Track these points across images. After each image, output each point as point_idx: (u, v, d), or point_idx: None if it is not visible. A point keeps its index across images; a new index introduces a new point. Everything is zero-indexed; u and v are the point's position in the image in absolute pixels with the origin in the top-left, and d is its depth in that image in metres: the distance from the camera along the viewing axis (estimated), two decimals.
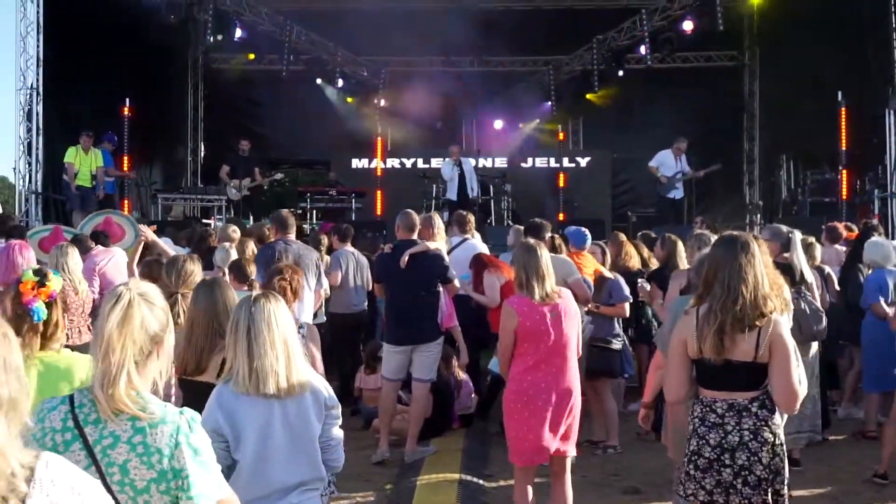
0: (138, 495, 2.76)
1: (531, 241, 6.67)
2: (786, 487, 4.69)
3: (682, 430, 5.76)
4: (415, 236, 8.96)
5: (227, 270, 8.22)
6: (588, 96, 23.53)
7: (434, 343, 8.74)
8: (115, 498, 2.70)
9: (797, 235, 7.59)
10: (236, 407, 3.95)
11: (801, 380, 4.58)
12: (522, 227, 11.16)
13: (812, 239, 9.72)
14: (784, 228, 7.75)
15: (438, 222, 9.34)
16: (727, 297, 4.52)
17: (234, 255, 9.22)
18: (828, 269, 9.96)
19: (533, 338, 6.06)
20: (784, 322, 4.67)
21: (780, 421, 4.67)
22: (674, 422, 5.92)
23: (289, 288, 5.86)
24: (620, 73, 22.58)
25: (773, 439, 4.59)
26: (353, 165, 23.73)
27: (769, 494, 4.59)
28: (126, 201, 18.36)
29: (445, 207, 17.64)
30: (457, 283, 9.09)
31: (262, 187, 19.21)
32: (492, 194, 19.61)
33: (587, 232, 10.12)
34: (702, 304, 4.67)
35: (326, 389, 4.26)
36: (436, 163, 21.20)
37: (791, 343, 4.61)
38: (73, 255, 7.89)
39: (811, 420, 7.98)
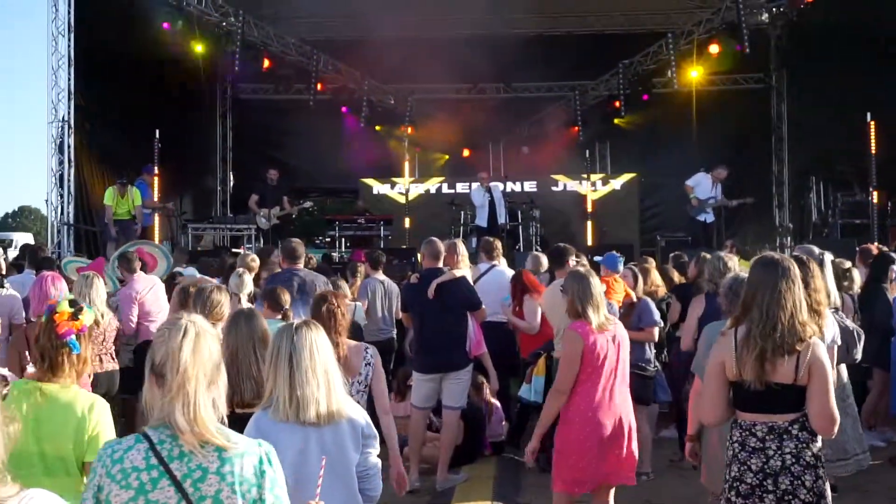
0: None
1: (581, 269, 6.66)
2: None
3: (716, 454, 5.72)
4: (440, 264, 8.98)
5: (261, 299, 8.25)
6: (615, 121, 23.55)
7: (464, 371, 8.73)
8: None
9: (828, 257, 7.53)
10: (275, 435, 3.95)
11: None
12: (541, 254, 11.17)
13: (849, 264, 9.66)
14: (816, 250, 7.69)
15: (462, 249, 9.36)
16: (766, 323, 4.50)
17: (248, 282, 9.31)
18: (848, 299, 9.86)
19: (598, 364, 6.02)
20: (822, 345, 4.64)
21: (820, 444, 4.63)
22: (708, 447, 5.88)
23: (338, 312, 5.86)
24: (646, 97, 22.58)
25: (815, 462, 4.55)
26: (381, 193, 23.83)
27: None
28: (156, 232, 18.50)
29: (474, 234, 17.67)
30: (485, 309, 9.09)
31: (291, 216, 19.31)
32: (520, 220, 19.62)
33: (620, 256, 10.08)
34: (739, 325, 4.64)
35: (364, 418, 4.27)
36: (462, 189, 21.26)
37: (829, 366, 4.60)
38: (98, 285, 8.02)
39: (858, 442, 7.82)
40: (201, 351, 2.86)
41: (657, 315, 9.29)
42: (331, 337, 5.72)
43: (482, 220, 18.29)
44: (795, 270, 4.68)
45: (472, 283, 9.08)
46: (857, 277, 9.65)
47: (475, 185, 18.95)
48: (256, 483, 2.83)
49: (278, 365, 3.98)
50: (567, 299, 6.22)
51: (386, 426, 5.81)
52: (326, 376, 4.01)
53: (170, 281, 10.72)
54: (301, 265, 9.25)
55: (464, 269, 9.07)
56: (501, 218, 18.23)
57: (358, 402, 5.75)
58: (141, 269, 10.58)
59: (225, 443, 2.81)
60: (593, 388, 6.04)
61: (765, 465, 4.52)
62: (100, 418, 4.13)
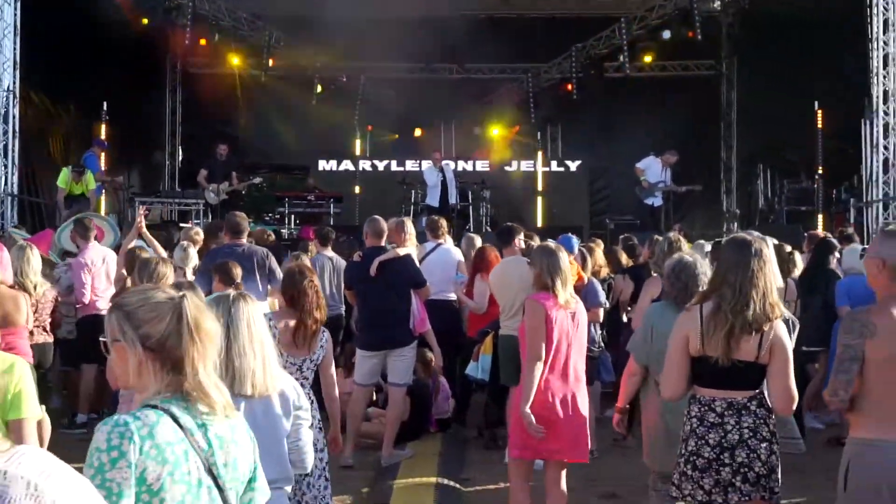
0: (238, 489, 2.82)
1: (551, 243, 6.64)
2: (778, 486, 4.75)
3: (654, 432, 5.79)
4: (384, 242, 8.97)
5: (206, 273, 8.18)
6: (566, 104, 23.63)
7: (407, 347, 8.74)
8: (226, 500, 2.74)
9: (770, 242, 7.61)
10: None
11: None
12: (475, 235, 11.23)
13: (789, 248, 9.77)
14: (756, 234, 7.77)
15: (410, 228, 9.35)
16: (737, 301, 4.57)
17: (193, 256, 9.27)
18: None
19: (555, 338, 5.98)
20: (783, 326, 4.75)
21: (774, 420, 4.74)
22: (647, 426, 5.94)
23: (317, 288, 5.88)
24: (598, 81, 22.69)
25: (770, 437, 4.67)
26: (332, 170, 23.70)
27: (767, 491, 4.66)
28: (102, 205, 18.26)
29: (425, 213, 17.64)
30: (429, 287, 9.10)
31: (241, 192, 19.15)
32: (470, 200, 19.61)
33: (575, 237, 10.15)
34: (705, 302, 4.70)
35: (295, 390, 4.27)
36: (412, 167, 21.23)
37: (790, 347, 4.71)
38: (31, 256, 7.96)
39: (787, 428, 7.96)
40: (205, 325, 2.83)
41: (602, 296, 9.37)
42: (308, 312, 5.72)
43: (433, 200, 18.24)
44: (767, 252, 4.76)
45: (416, 261, 9.07)
46: (800, 262, 9.77)
47: (427, 164, 18.90)
48: (253, 446, 2.88)
49: None
50: (534, 272, 6.17)
51: (331, 412, 5.89)
52: (262, 349, 3.96)
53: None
54: (244, 240, 9.18)
55: (409, 248, 9.05)
56: (453, 198, 18.22)
57: (310, 382, 5.77)
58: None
59: (233, 411, 2.84)
60: (550, 364, 6.01)
61: (722, 439, 4.60)
62: (21, 377, 4.17)
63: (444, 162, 18.59)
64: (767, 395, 4.70)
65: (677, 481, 4.77)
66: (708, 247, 7.96)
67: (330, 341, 5.95)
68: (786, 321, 7.26)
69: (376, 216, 9.31)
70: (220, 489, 2.72)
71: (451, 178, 18.37)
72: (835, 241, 10.80)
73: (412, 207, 19.60)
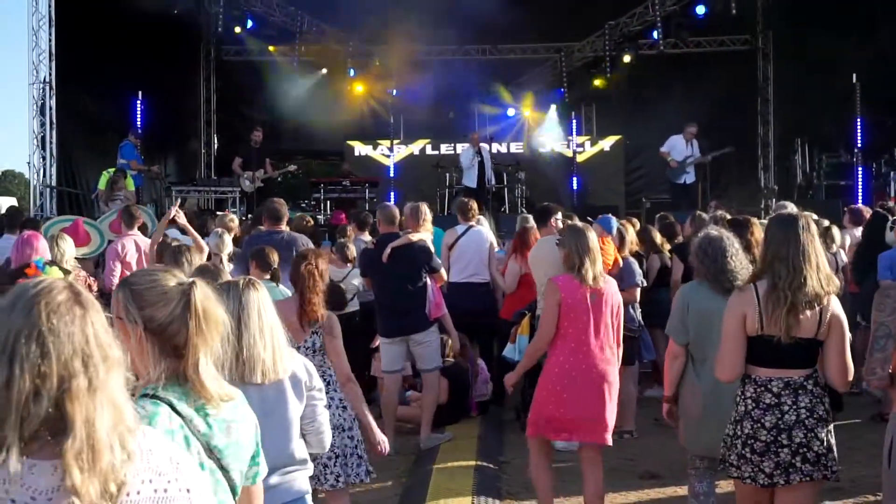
0: (242, 468, 2.84)
1: (579, 223, 6.66)
2: (836, 465, 4.71)
3: (691, 414, 5.74)
4: (396, 228, 8.99)
5: (244, 259, 8.22)
6: (600, 82, 23.49)
7: (426, 332, 8.74)
8: (231, 479, 2.77)
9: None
10: None
11: None
12: (529, 216, 11.17)
13: (826, 223, 9.67)
14: (791, 206, 7.69)
15: (426, 212, 9.31)
16: (794, 277, 4.49)
17: (227, 242, 9.33)
18: (844, 255, 9.87)
19: (573, 318, 6.01)
20: (837, 301, 4.67)
21: (828, 399, 4.68)
22: (684, 408, 5.89)
23: (316, 272, 5.81)
24: (632, 58, 22.52)
25: (826, 416, 4.61)
26: (366, 154, 23.74)
27: (827, 469, 4.62)
28: (141, 194, 18.39)
29: (461, 195, 17.65)
30: (443, 272, 9.10)
31: (276, 179, 19.22)
32: (505, 182, 19.59)
33: (613, 218, 10.11)
34: (757, 281, 4.64)
35: (307, 370, 4.27)
36: (447, 150, 21.18)
37: (846, 321, 4.64)
38: (63, 244, 7.98)
39: None
40: (212, 314, 2.78)
41: (639, 276, 9.31)
42: (306, 297, 5.73)
43: (470, 181, 18.28)
44: (814, 226, 4.71)
45: (428, 246, 9.03)
46: (838, 237, 9.66)
47: (463, 146, 18.89)
48: (254, 424, 2.89)
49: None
50: (563, 252, 6.20)
51: (351, 395, 5.74)
52: (272, 336, 3.93)
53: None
54: (283, 226, 9.21)
55: (422, 233, 9.02)
56: (491, 180, 18.25)
57: (317, 365, 5.73)
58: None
59: (233, 395, 2.83)
60: (571, 341, 6.04)
61: (779, 420, 4.54)
62: None
63: (481, 143, 18.60)
64: (823, 370, 4.64)
65: (736, 462, 4.69)
66: (791, 207, 7.79)
67: (331, 325, 5.77)
68: None
69: (387, 202, 9.41)
70: (224, 469, 2.73)
71: (488, 159, 18.40)
72: (886, 213, 10.66)
73: (447, 191, 19.59)
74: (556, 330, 6.09)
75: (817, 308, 4.52)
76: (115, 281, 9.82)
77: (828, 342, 4.57)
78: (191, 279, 2.84)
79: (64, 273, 6.94)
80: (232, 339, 3.78)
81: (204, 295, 2.77)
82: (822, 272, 4.54)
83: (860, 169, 17.38)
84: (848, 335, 4.64)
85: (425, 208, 9.38)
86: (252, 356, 3.85)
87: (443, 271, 9.10)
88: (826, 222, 9.52)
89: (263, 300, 3.94)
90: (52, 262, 6.06)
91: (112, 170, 16.42)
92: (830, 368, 4.58)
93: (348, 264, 10.16)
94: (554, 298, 6.06)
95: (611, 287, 6.24)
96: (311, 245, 9.24)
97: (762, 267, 4.68)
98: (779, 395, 4.57)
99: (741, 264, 5.60)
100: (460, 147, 19.24)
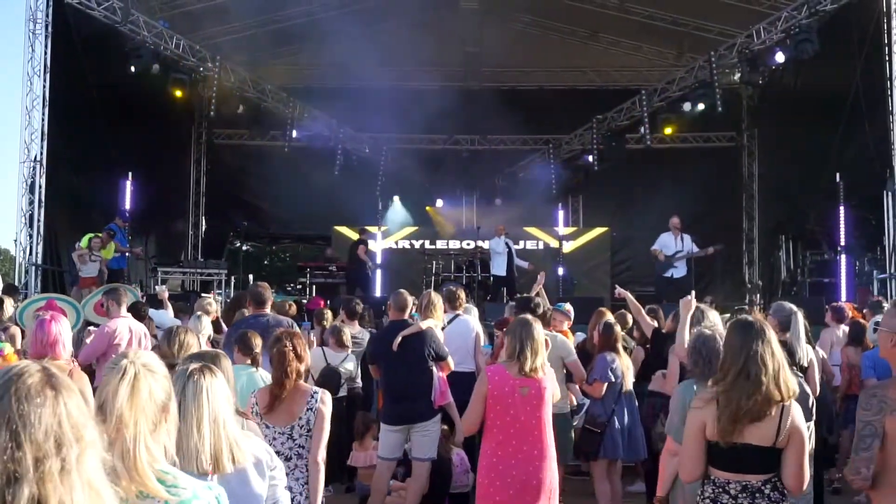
0: None
1: (528, 315, 6.68)
2: None
3: None
4: (406, 316, 8.97)
5: (234, 342, 8.17)
6: (587, 175, 23.75)
7: (430, 422, 8.67)
8: None
9: (800, 316, 7.52)
10: None
11: None
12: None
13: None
14: (787, 306, 7.69)
15: (437, 301, 9.31)
16: (750, 385, 4.51)
17: (206, 325, 9.29)
18: (821, 352, 9.86)
19: (499, 410, 6.05)
20: (799, 408, 4.67)
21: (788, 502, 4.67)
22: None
23: (291, 353, 5.79)
24: (619, 152, 22.80)
25: None
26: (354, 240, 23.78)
27: None
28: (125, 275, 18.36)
29: (447, 284, 17.75)
30: (450, 360, 9.05)
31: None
32: (491, 272, 19.66)
33: (567, 305, 10.28)
34: (718, 385, 4.65)
35: (267, 451, 4.25)
36: (434, 238, 21.35)
37: (805, 430, 4.64)
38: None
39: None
40: (140, 393, 2.72)
41: (609, 372, 9.15)
42: (280, 377, 5.71)
43: (500, 269, 18.82)
44: (770, 332, 4.71)
45: (437, 335, 9.03)
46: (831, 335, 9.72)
47: (495, 236, 19.39)
48: None
49: None
50: (507, 340, 6.31)
51: (313, 478, 5.66)
52: (215, 426, 3.65)
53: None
54: (268, 310, 9.17)
55: (430, 321, 9.01)
56: (514, 270, 18.68)
57: (307, 450, 5.67)
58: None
59: (165, 495, 2.65)
60: (500, 435, 6.08)
61: None
62: None
63: (506, 233, 19.12)
64: (781, 476, 4.61)
65: None
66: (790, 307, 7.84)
67: (325, 403, 5.73)
68: (807, 395, 7.21)
69: (401, 290, 9.35)
70: None
71: (513, 250, 18.93)
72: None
73: (432, 279, 19.65)
74: (485, 421, 6.14)
75: (775, 416, 4.52)
76: (90, 359, 9.71)
77: (787, 450, 4.56)
78: (135, 355, 2.81)
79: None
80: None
81: (136, 373, 2.73)
82: (780, 379, 4.55)
83: (844, 266, 17.48)
84: (808, 444, 4.66)
85: (435, 297, 9.37)
86: (189, 447, 3.58)
87: (450, 360, 9.05)
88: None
89: (212, 387, 3.71)
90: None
91: (95, 234, 16.48)
92: (787, 476, 4.57)
93: (343, 349, 10.18)
94: (482, 388, 6.15)
95: (548, 383, 6.24)
96: (296, 328, 9.18)
97: (721, 373, 4.68)
98: (736, 497, 4.57)
99: None
100: (493, 238, 19.55)
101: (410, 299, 9.15)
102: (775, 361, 4.58)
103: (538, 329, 6.27)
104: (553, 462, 6.25)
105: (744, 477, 4.57)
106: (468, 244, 21.62)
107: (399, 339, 8.63)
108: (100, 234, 16.63)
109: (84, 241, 16.50)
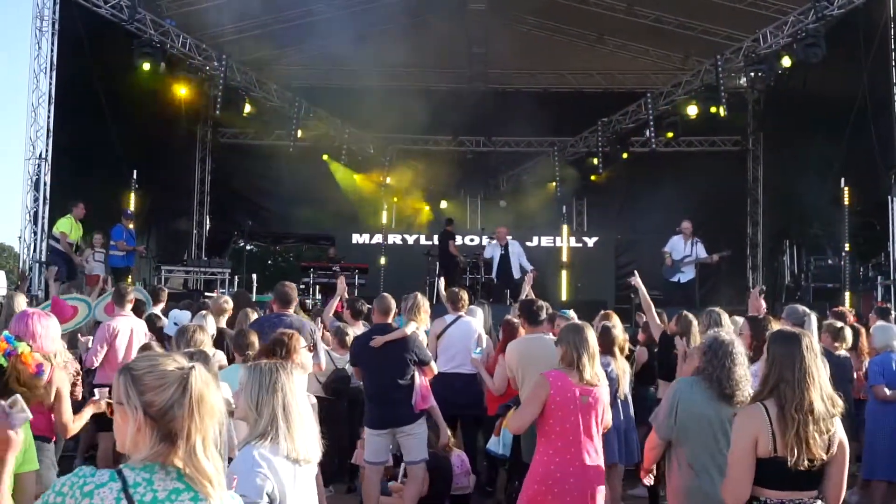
0: None
1: (577, 320, 6.62)
2: None
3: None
4: (391, 319, 8.94)
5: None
6: (593, 178, 23.73)
7: (413, 425, 8.62)
8: None
9: (813, 319, 7.51)
10: None
11: None
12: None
13: (841, 324, 9.72)
14: (800, 309, 7.68)
15: (422, 304, 9.21)
16: (800, 400, 4.43)
17: (210, 324, 9.26)
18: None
19: (561, 416, 5.95)
20: (840, 423, 4.61)
21: None
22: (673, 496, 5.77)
23: (282, 350, 5.80)
24: (625, 155, 22.79)
25: None
26: (358, 241, 23.81)
27: None
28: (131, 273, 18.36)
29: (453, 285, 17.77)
30: (433, 365, 9.01)
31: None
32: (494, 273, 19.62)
33: (572, 311, 10.21)
34: (761, 400, 4.55)
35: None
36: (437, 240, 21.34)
37: (847, 442, 4.58)
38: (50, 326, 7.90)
39: None
40: (208, 399, 2.80)
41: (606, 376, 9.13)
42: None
43: (493, 274, 18.56)
44: (816, 345, 4.66)
45: (420, 339, 8.98)
46: (849, 337, 9.69)
47: (490, 241, 19.18)
48: None
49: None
50: (561, 348, 6.19)
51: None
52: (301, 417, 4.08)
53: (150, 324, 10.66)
54: (291, 310, 9.16)
55: (413, 324, 8.92)
56: (517, 272, 18.29)
57: None
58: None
59: (215, 488, 2.75)
60: (558, 440, 5.95)
61: None
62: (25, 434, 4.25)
63: (509, 238, 18.82)
64: (824, 489, 4.55)
65: None
66: (803, 310, 7.79)
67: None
68: None
69: (385, 294, 9.29)
70: None
71: (516, 253, 18.59)
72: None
73: (436, 280, 19.63)
74: (541, 428, 6.02)
75: (825, 431, 4.45)
76: (97, 361, 9.75)
77: (832, 464, 4.49)
78: (191, 363, 2.83)
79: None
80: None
81: (202, 380, 2.77)
82: (825, 393, 4.49)
83: (848, 272, 17.44)
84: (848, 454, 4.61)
85: (421, 299, 9.31)
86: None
87: (433, 364, 8.99)
88: (839, 323, 9.57)
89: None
90: (20, 338, 6.05)
91: (70, 216, 16.46)
92: (830, 488, 4.51)
93: (346, 350, 10.03)
94: (542, 392, 5.99)
95: (602, 389, 6.19)
96: (309, 327, 9.16)
97: (768, 387, 4.56)
98: None
99: (745, 374, 5.55)
100: (489, 241, 19.42)
101: (394, 303, 9.10)
102: (820, 376, 4.51)
103: (591, 335, 6.20)
104: (602, 470, 6.18)
105: (797, 495, 4.49)
106: (471, 240, 21.47)
107: (380, 341, 8.60)
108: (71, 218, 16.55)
109: (65, 225, 16.36)
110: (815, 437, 4.41)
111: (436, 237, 21.39)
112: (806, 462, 4.39)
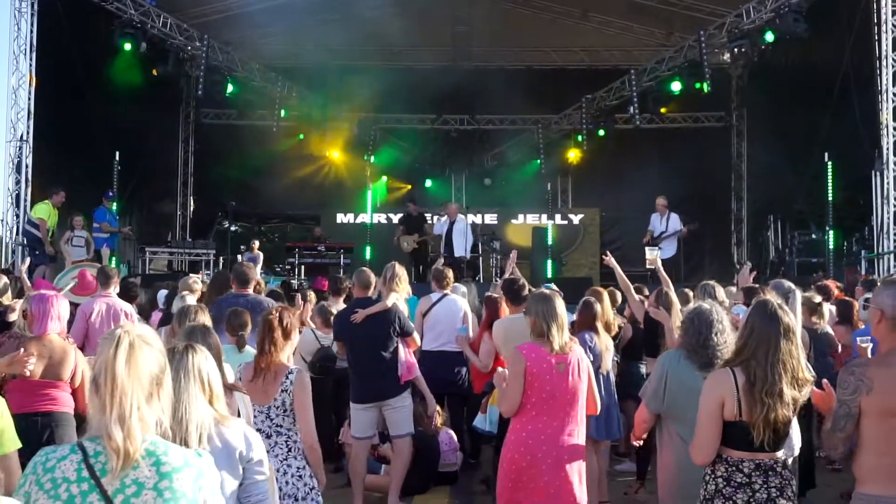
0: None
1: (545, 290, 6.60)
2: None
3: (671, 478, 5.64)
4: (370, 293, 8.93)
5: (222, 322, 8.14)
6: (576, 154, 23.73)
7: (398, 398, 8.63)
8: None
9: (798, 295, 7.53)
10: None
11: None
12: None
13: (820, 299, 9.76)
14: (786, 284, 7.70)
15: (400, 274, 9.17)
16: (770, 384, 4.52)
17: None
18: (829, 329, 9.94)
19: (537, 387, 5.90)
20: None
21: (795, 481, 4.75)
22: (663, 470, 5.78)
23: (277, 324, 5.73)
24: (601, 133, 22.80)
25: (793, 497, 4.66)
26: (343, 220, 23.78)
27: None
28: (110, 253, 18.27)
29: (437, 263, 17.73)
30: (416, 336, 9.03)
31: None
32: (480, 251, 19.61)
33: (554, 286, 10.17)
34: (731, 367, 4.64)
35: (246, 441, 4.06)
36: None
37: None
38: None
39: None
40: (137, 362, 2.77)
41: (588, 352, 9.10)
42: (262, 346, 5.68)
43: (444, 250, 18.43)
44: (794, 324, 4.72)
45: (402, 310, 8.97)
46: (827, 315, 9.74)
47: (439, 217, 19.08)
48: (193, 499, 2.74)
49: None
50: (530, 319, 6.16)
51: (313, 462, 5.63)
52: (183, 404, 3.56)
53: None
54: (250, 290, 9.13)
55: (394, 296, 8.89)
56: (460, 250, 18.22)
57: (287, 428, 5.64)
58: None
59: (162, 456, 2.73)
60: (532, 410, 5.91)
61: (751, 498, 4.57)
62: (2, 413, 4.35)
63: (459, 215, 18.68)
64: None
65: None
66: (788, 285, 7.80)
67: (301, 383, 5.63)
68: None
69: (363, 268, 9.30)
70: None
71: (463, 230, 18.43)
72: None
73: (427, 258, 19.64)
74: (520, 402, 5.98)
75: (791, 404, 4.56)
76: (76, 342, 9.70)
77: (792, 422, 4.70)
78: (129, 326, 2.86)
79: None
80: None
81: (131, 342, 2.78)
82: (798, 376, 4.58)
83: (831, 246, 17.50)
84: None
85: (399, 269, 9.27)
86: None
87: (416, 335, 9.02)
88: (818, 298, 9.61)
89: (188, 366, 3.72)
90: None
91: (48, 202, 16.36)
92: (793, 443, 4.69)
93: (330, 329, 9.85)
94: (519, 367, 5.93)
95: (579, 354, 6.17)
96: (269, 305, 9.09)
97: (740, 357, 4.65)
98: (749, 476, 4.59)
99: (725, 342, 5.55)
100: (436, 217, 19.34)
101: (374, 277, 9.09)
102: (794, 359, 4.59)
103: (560, 303, 6.14)
104: (583, 439, 6.15)
105: (757, 455, 4.59)
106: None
107: (361, 315, 8.59)
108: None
109: (42, 212, 16.26)
110: (781, 415, 4.53)
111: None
112: (772, 430, 4.53)
